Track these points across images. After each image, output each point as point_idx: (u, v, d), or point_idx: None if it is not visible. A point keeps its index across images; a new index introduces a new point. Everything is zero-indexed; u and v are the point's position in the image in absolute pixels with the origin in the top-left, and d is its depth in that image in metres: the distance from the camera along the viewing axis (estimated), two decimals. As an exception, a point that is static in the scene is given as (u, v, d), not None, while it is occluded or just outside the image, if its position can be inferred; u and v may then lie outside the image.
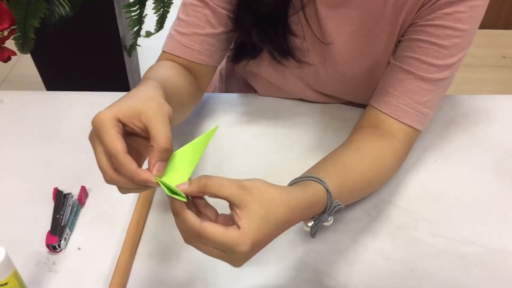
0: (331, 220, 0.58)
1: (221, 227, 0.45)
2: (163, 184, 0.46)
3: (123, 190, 0.48)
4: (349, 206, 0.70)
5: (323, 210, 0.57)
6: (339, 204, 0.57)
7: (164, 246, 0.65)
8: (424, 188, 0.73)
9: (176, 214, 0.47)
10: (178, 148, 0.49)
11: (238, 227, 0.46)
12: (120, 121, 0.46)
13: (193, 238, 0.47)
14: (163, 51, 0.73)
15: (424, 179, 0.74)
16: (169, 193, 0.46)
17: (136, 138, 0.49)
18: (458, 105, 0.87)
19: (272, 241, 0.64)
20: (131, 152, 0.46)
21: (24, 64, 2.06)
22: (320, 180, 0.57)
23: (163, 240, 0.66)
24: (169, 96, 0.52)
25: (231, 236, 0.45)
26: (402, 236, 0.67)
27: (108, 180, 0.47)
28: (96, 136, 0.46)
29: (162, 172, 0.46)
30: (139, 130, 0.47)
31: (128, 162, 0.45)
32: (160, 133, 0.45)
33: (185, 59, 0.72)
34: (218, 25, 0.71)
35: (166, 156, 0.46)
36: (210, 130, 0.49)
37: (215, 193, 0.47)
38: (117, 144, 0.44)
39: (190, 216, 0.46)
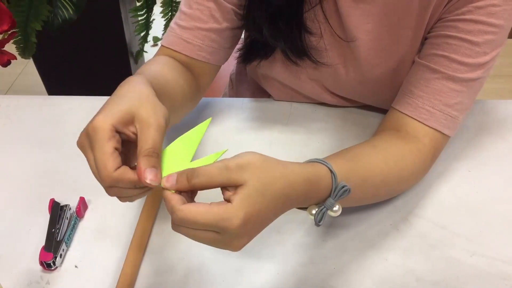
0: (338, 209, 0.51)
1: (203, 205, 0.42)
2: None
3: (123, 198, 0.46)
4: (376, 221, 0.64)
5: (328, 195, 0.51)
6: (345, 186, 0.51)
7: (170, 263, 0.60)
8: (459, 201, 0.67)
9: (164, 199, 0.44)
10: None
11: (228, 201, 0.43)
12: (116, 130, 0.44)
13: (179, 224, 0.43)
14: (161, 45, 0.70)
15: (458, 191, 0.69)
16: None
17: (129, 144, 0.46)
18: (490, 110, 0.82)
19: (289, 258, 0.59)
20: (123, 160, 0.44)
21: (29, 73, 2.07)
22: (322, 161, 0.52)
23: (169, 257, 0.61)
24: (158, 94, 0.49)
25: (215, 212, 0.42)
26: (437, 254, 0.61)
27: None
28: (88, 144, 0.44)
29: (160, 176, 0.44)
30: (133, 137, 0.45)
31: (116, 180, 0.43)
32: (149, 140, 0.43)
33: (184, 54, 0.68)
34: (222, 20, 0.67)
35: (154, 162, 0.43)
36: (203, 123, 0.47)
37: (207, 187, 0.44)
38: (109, 162, 0.42)
39: (172, 200, 0.43)
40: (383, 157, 0.60)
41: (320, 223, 0.51)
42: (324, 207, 0.51)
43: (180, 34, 0.67)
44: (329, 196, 0.51)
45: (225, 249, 0.44)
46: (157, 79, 0.56)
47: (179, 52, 0.68)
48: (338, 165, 0.53)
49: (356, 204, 0.61)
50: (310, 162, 0.53)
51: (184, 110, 0.70)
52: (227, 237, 0.43)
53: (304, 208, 0.52)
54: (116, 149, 0.43)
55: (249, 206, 0.42)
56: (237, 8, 0.67)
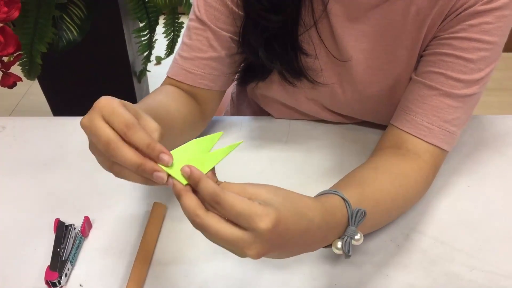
0: (360, 237, 0.53)
1: (244, 198, 0.42)
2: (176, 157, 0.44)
3: (118, 170, 0.45)
4: (376, 236, 0.65)
5: (347, 224, 0.53)
6: (360, 209, 0.53)
7: (174, 280, 0.61)
8: (458, 216, 0.68)
9: (195, 183, 0.43)
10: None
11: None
12: None
13: (213, 205, 0.42)
14: (167, 76, 0.73)
15: (457, 206, 0.69)
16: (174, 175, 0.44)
17: None
18: (488, 125, 0.83)
19: (290, 275, 0.59)
20: None
21: (34, 94, 2.08)
22: (332, 191, 0.53)
23: (172, 274, 0.61)
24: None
25: (254, 206, 0.42)
26: (437, 270, 0.61)
27: (114, 148, 0.43)
28: (99, 116, 0.43)
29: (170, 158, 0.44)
30: None
31: (144, 130, 0.44)
32: (151, 124, 0.46)
33: (187, 84, 0.71)
34: (221, 48, 0.69)
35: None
36: (214, 134, 0.48)
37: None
38: (132, 115, 0.43)
39: (211, 182, 0.42)
40: (388, 178, 0.61)
41: (350, 254, 0.52)
42: (347, 236, 0.52)
43: (182, 64, 0.70)
44: (348, 224, 0.52)
45: (242, 254, 0.43)
46: (156, 109, 0.59)
47: (182, 82, 0.70)
48: (347, 192, 0.54)
49: (371, 230, 0.61)
50: (320, 194, 0.54)
51: (186, 136, 0.71)
52: (251, 237, 0.42)
53: (329, 246, 0.53)
54: None
55: (281, 211, 0.43)
56: (234, 35, 0.69)
